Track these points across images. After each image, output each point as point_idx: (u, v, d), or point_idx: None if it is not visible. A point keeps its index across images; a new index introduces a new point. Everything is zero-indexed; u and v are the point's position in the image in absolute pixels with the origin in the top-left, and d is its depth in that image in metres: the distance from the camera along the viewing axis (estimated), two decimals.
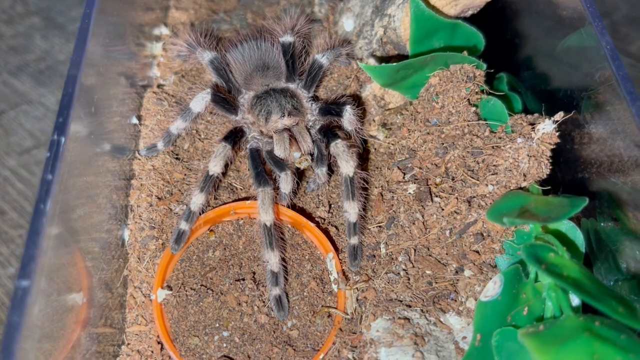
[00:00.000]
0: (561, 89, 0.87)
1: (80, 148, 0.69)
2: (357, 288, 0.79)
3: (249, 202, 0.85)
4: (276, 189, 0.81)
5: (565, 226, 0.73)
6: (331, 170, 0.86)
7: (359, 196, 0.79)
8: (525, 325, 0.64)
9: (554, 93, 0.90)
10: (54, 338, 0.61)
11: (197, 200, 0.80)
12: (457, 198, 0.78)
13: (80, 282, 0.68)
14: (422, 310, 0.74)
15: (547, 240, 0.69)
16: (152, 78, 1.02)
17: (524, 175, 0.75)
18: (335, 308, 0.79)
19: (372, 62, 0.96)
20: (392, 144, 0.91)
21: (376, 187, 0.88)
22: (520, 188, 0.76)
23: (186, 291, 0.79)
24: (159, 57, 1.05)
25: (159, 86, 1.01)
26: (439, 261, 0.77)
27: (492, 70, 0.89)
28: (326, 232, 0.85)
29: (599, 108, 0.76)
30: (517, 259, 0.73)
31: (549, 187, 0.77)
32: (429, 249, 0.79)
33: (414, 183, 0.82)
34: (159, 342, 0.77)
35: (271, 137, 0.86)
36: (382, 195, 0.86)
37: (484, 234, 0.76)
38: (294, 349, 0.77)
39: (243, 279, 0.80)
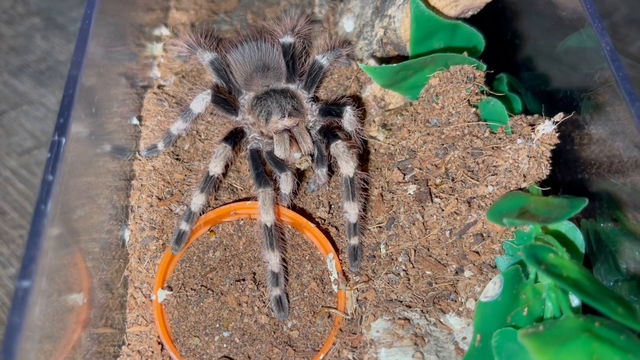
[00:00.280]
0: (561, 89, 0.87)
1: (81, 149, 0.69)
2: (357, 288, 0.79)
3: (249, 202, 0.85)
4: (276, 189, 0.81)
5: (565, 227, 0.73)
6: (331, 170, 0.86)
7: (359, 197, 0.80)
8: (525, 326, 0.64)
9: (553, 94, 0.90)
10: (55, 338, 0.61)
11: (197, 200, 0.80)
12: (457, 199, 0.78)
13: (81, 282, 0.69)
14: (422, 311, 0.74)
15: (547, 241, 0.69)
16: (153, 79, 1.02)
17: (524, 176, 0.75)
18: (336, 308, 0.79)
19: (372, 62, 0.97)
20: (392, 145, 0.91)
21: (376, 188, 0.88)
22: (520, 189, 0.76)
23: (186, 291, 0.79)
24: (159, 58, 1.05)
25: (160, 87, 1.01)
26: (439, 262, 0.77)
27: (492, 71, 0.89)
28: (326, 233, 0.85)
29: (598, 109, 0.76)
30: (517, 260, 0.73)
31: (549, 188, 0.77)
32: (429, 250, 0.79)
33: (414, 184, 0.82)
34: (159, 343, 0.77)
35: (271, 138, 0.86)
36: (382, 196, 0.86)
37: (484, 235, 0.76)
38: (294, 350, 0.77)
39: (243, 280, 0.80)
